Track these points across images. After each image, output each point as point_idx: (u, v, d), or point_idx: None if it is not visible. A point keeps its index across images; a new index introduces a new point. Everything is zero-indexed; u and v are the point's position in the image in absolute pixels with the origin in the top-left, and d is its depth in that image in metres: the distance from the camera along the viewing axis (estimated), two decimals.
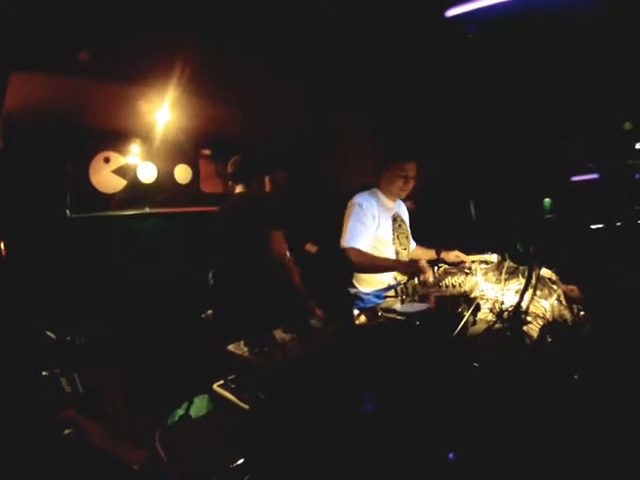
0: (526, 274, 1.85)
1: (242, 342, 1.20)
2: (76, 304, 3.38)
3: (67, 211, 3.64)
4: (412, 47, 3.29)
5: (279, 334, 1.26)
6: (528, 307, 1.72)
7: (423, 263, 2.37)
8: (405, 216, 3.05)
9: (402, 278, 2.78)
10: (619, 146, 5.57)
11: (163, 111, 3.84)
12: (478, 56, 3.40)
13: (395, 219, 2.85)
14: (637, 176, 6.36)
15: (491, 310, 1.76)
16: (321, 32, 3.15)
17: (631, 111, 4.97)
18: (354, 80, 3.72)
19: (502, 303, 1.79)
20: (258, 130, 4.46)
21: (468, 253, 3.14)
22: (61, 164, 3.68)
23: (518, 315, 1.62)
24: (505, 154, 5.51)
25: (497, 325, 1.61)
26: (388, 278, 2.75)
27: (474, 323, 1.65)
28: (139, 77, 3.42)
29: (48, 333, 2.90)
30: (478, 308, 1.68)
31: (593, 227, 6.35)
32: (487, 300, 1.91)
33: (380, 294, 2.63)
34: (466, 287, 1.99)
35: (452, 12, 2.84)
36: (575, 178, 6.52)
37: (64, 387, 2.29)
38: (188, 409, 2.87)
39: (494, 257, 2.97)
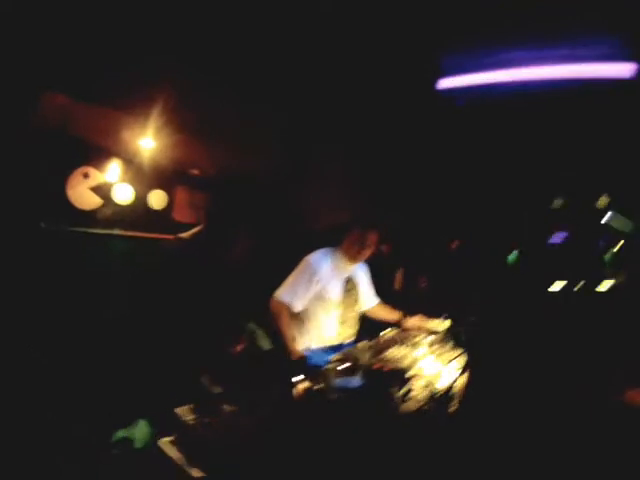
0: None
1: (190, 407, 1.37)
2: (39, 314, 3.44)
3: (42, 223, 3.69)
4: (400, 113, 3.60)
5: (223, 402, 1.43)
6: (458, 391, 1.94)
7: (298, 357, 2.52)
8: (361, 279, 3.13)
9: (346, 336, 2.94)
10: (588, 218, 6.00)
11: (147, 138, 4.03)
12: (463, 128, 3.74)
13: (347, 282, 2.94)
14: (601, 242, 6.87)
15: (424, 389, 1.97)
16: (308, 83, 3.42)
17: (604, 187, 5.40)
18: (333, 139, 4.01)
19: (435, 384, 2.01)
20: (236, 166, 4.68)
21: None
22: (39, 174, 3.71)
23: (447, 399, 1.84)
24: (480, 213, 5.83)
25: (426, 407, 1.82)
26: (330, 335, 2.87)
27: (405, 401, 1.86)
28: (129, 105, 3.61)
29: None
30: (410, 389, 1.88)
31: (551, 290, 6.78)
32: (422, 378, 2.12)
33: (324, 353, 2.78)
34: (406, 362, 2.21)
35: (443, 84, 3.13)
36: (552, 240, 6.99)
37: None
38: (130, 431, 2.96)
39: (446, 324, 3.21)
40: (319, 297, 2.78)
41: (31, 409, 3.01)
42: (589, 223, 6.03)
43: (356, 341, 2.99)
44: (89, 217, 4.04)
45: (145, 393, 3.26)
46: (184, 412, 1.33)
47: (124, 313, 3.94)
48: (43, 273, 3.60)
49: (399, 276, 5.26)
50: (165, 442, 1.28)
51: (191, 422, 1.26)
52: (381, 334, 2.96)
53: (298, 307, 2.73)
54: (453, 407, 1.83)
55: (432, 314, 3.39)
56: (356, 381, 1.88)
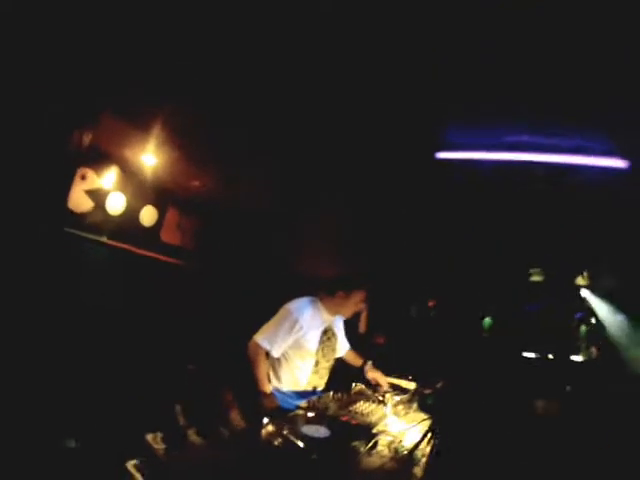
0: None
1: (159, 436, 1.39)
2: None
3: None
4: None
5: (192, 435, 1.45)
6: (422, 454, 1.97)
7: (269, 402, 2.57)
8: (338, 329, 3.22)
9: (316, 384, 3.00)
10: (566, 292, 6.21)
11: (149, 154, 4.11)
12: (455, 199, 3.92)
13: (326, 332, 3.02)
14: (577, 315, 7.07)
15: (389, 446, 2.00)
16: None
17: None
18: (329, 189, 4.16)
19: (400, 442, 2.04)
20: (229, 197, 4.78)
21: (388, 375, 3.42)
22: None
23: (411, 459, 1.88)
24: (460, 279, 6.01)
25: (389, 464, 1.84)
26: (303, 381, 2.92)
27: (370, 456, 1.88)
28: (136, 118, 3.69)
29: None
30: (376, 444, 1.92)
31: (526, 355, 6.89)
32: (388, 434, 2.15)
33: (294, 396, 2.83)
34: (373, 418, 2.25)
35: (443, 156, 3.31)
36: (528, 308, 7.17)
37: None
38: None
39: (412, 385, 3.26)
40: (297, 345, 2.85)
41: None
42: (567, 296, 6.24)
43: (325, 391, 3.02)
44: (79, 220, 4.03)
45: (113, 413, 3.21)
46: (153, 440, 1.34)
47: (98, 318, 3.91)
48: (26, 269, 3.55)
49: (364, 318, 5.34)
50: (132, 465, 1.29)
51: (159, 451, 1.28)
52: (352, 387, 2.99)
53: (276, 353, 2.79)
54: (416, 469, 1.85)
55: (395, 373, 3.46)
56: (323, 431, 1.91)
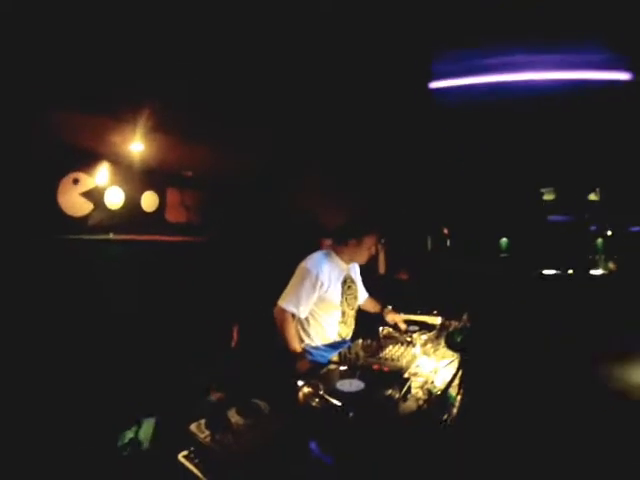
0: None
1: (203, 423, 1.48)
2: (37, 327, 3.52)
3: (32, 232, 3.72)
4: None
5: (233, 416, 1.55)
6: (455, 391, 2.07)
7: (304, 368, 2.64)
8: (356, 276, 3.31)
9: (346, 334, 3.12)
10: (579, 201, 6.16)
11: (136, 142, 4.07)
12: (455, 126, 3.83)
13: (345, 281, 3.08)
14: (592, 228, 7.06)
15: (422, 388, 2.10)
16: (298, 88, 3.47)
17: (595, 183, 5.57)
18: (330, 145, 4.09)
19: (432, 382, 2.14)
20: (226, 165, 4.75)
21: (414, 312, 3.52)
22: (27, 182, 3.71)
23: (445, 398, 1.97)
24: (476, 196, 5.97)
25: (424, 407, 1.94)
26: (333, 334, 3.03)
27: (405, 401, 1.98)
28: (115, 109, 3.64)
29: None
30: (409, 389, 2.01)
31: (545, 273, 6.97)
32: (420, 376, 2.25)
33: (327, 350, 2.95)
34: (403, 362, 2.34)
35: (436, 85, 3.21)
36: (551, 218, 7.13)
37: None
38: (137, 432, 3.11)
39: (437, 320, 3.36)
40: (321, 300, 2.91)
41: (37, 414, 3.14)
42: (580, 212, 6.17)
43: (353, 339, 3.13)
44: (81, 223, 4.08)
45: (145, 393, 3.41)
46: (197, 429, 1.44)
47: (123, 316, 4.05)
48: (38, 283, 3.66)
49: (382, 259, 5.40)
50: (183, 457, 1.39)
51: (206, 439, 1.37)
52: (379, 331, 3.08)
53: (303, 314, 2.86)
54: (451, 407, 1.96)
55: (420, 309, 3.55)
56: (357, 384, 2.00)
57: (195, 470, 1.32)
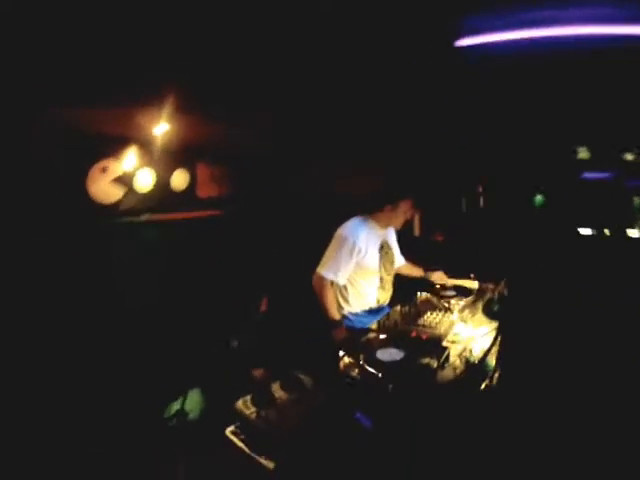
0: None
1: (249, 399, 1.56)
2: (82, 315, 3.71)
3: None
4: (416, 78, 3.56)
5: (277, 391, 1.62)
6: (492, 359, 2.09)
7: (342, 337, 2.71)
8: (392, 241, 3.32)
9: (384, 299, 3.15)
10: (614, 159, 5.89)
11: (161, 123, 4.10)
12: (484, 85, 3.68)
13: (382, 247, 3.10)
14: (630, 185, 6.74)
15: (460, 356, 2.12)
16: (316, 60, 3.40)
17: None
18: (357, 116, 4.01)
19: (471, 351, 2.15)
20: (253, 138, 4.76)
21: (452, 275, 3.52)
22: (57, 175, 3.78)
23: (482, 367, 2.00)
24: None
25: (462, 375, 1.97)
26: (371, 300, 3.08)
27: (443, 369, 2.02)
28: (137, 94, 3.66)
29: None
30: (447, 358, 2.04)
31: (582, 232, 6.77)
32: (458, 344, 2.27)
33: (366, 315, 3.01)
34: (441, 329, 2.36)
35: (463, 42, 3.07)
36: (587, 175, 6.85)
37: None
38: (184, 403, 3.30)
39: (475, 284, 3.34)
40: (359, 267, 2.94)
41: (87, 389, 3.35)
42: (616, 168, 5.88)
43: (391, 304, 3.17)
44: (113, 210, 4.15)
45: (190, 365, 3.58)
46: (244, 405, 1.51)
47: (164, 295, 4.21)
48: (83, 271, 3.82)
49: (417, 221, 5.35)
50: (230, 432, 1.48)
51: (252, 415, 1.45)
52: (417, 296, 3.10)
53: (342, 281, 2.90)
54: (489, 375, 1.98)
55: (456, 272, 3.54)
56: (395, 353, 2.04)
57: (242, 445, 1.40)
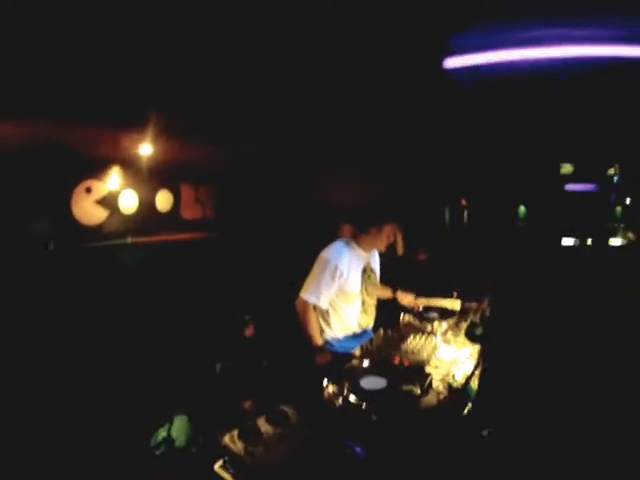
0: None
1: (235, 435, 1.61)
2: (60, 337, 3.71)
3: (49, 244, 3.82)
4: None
5: (263, 425, 1.67)
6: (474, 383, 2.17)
7: (324, 358, 2.77)
8: (376, 265, 3.36)
9: (367, 324, 3.20)
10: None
11: (145, 145, 4.15)
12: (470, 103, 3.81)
13: (365, 270, 3.13)
14: (612, 197, 6.98)
15: (442, 381, 2.19)
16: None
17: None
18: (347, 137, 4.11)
19: (453, 376, 2.23)
20: (239, 162, 4.82)
21: (433, 295, 3.59)
22: (42, 195, 3.82)
23: (465, 391, 2.07)
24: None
25: (445, 399, 2.05)
26: (353, 324, 3.12)
27: (426, 395, 2.08)
28: (121, 116, 3.71)
29: None
30: (430, 385, 2.11)
31: (564, 243, 6.97)
32: (441, 369, 2.33)
33: (348, 340, 3.06)
34: (424, 354, 2.44)
35: (451, 64, 3.19)
36: (570, 187, 7.06)
37: None
38: (170, 430, 3.30)
39: (457, 304, 3.43)
40: (341, 290, 2.98)
41: (69, 412, 3.34)
42: (599, 181, 6.08)
43: (374, 328, 3.24)
44: (97, 231, 4.20)
45: (175, 391, 3.59)
46: (230, 441, 1.56)
47: (148, 316, 4.22)
48: (61, 293, 3.82)
49: (400, 240, 5.40)
50: (219, 467, 1.53)
51: (240, 451, 1.50)
52: (400, 319, 3.18)
53: (325, 305, 2.94)
54: (471, 400, 2.05)
55: (439, 292, 3.62)
56: (379, 381, 2.11)
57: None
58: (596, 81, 3.12)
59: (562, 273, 5.32)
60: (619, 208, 6.49)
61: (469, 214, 6.35)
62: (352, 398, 1.94)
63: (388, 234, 3.09)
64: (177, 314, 4.24)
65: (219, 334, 4.20)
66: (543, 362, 3.83)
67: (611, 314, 4.44)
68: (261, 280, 4.85)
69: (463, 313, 3.23)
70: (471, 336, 2.48)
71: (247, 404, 3.15)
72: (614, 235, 6.33)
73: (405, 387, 2.04)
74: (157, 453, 3.20)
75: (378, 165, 5.10)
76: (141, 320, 4.13)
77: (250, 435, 1.58)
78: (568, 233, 6.53)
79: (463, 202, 6.57)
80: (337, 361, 2.70)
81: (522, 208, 6.93)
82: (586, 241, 6.39)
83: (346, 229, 3.54)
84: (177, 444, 3.25)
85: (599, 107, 3.71)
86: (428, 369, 2.27)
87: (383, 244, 3.15)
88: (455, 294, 3.56)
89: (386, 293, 3.53)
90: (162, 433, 3.30)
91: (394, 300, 3.51)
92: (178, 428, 3.32)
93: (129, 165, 4.34)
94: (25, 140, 3.59)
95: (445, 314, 3.20)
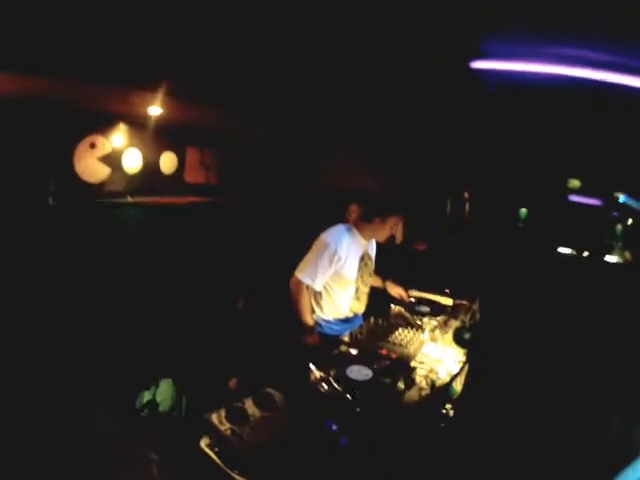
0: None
1: (223, 413, 1.69)
2: (60, 295, 3.77)
3: (49, 199, 3.83)
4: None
5: (250, 407, 1.75)
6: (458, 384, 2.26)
7: (313, 342, 2.86)
8: (373, 252, 3.40)
9: (358, 309, 3.27)
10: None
11: (153, 106, 4.11)
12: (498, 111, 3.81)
13: (362, 257, 3.17)
14: (614, 214, 7.03)
15: (426, 378, 2.28)
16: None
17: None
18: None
19: (437, 373, 2.32)
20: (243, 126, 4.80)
21: (426, 289, 3.66)
22: (44, 149, 3.79)
23: (447, 391, 2.17)
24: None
25: (427, 398, 2.14)
26: (345, 309, 3.18)
27: (409, 391, 2.17)
28: (133, 77, 3.66)
29: None
30: (414, 380, 2.20)
31: (561, 251, 7.05)
32: (425, 364, 2.42)
33: (337, 324, 3.14)
34: (411, 348, 2.52)
35: (478, 65, 3.18)
36: (574, 199, 7.11)
37: None
38: (155, 393, 3.41)
39: (449, 301, 3.50)
40: (337, 275, 3.02)
41: (59, 376, 3.43)
42: (603, 197, 6.11)
43: (365, 315, 3.31)
44: (99, 189, 4.18)
45: (161, 355, 3.68)
46: (217, 420, 1.64)
47: (142, 279, 4.27)
48: (60, 250, 3.85)
49: (400, 228, 5.42)
50: (205, 444, 1.61)
51: (226, 431, 1.58)
52: (390, 309, 3.25)
53: (318, 287, 2.99)
54: (452, 400, 2.14)
55: (433, 286, 3.68)
56: (365, 371, 2.19)
57: (216, 458, 1.53)
58: (617, 105, 3.13)
59: (555, 281, 5.40)
60: (620, 226, 6.55)
61: (471, 207, 6.36)
62: (337, 386, 2.02)
63: (391, 226, 3.12)
64: (173, 278, 4.30)
65: (212, 303, 4.29)
66: (530, 370, 3.93)
67: (599, 325, 4.54)
68: (259, 252, 4.90)
69: (454, 310, 3.30)
70: (459, 340, 2.55)
71: (232, 382, 3.24)
72: (611, 252, 6.42)
73: (389, 380, 2.13)
74: (142, 415, 3.30)
75: (388, 155, 5.09)
76: (137, 282, 4.18)
77: (237, 416, 1.66)
78: (566, 243, 6.61)
79: (466, 195, 6.58)
80: (325, 344, 2.79)
81: (523, 210, 6.99)
82: (582, 253, 6.49)
83: (354, 209, 3.53)
84: (161, 408, 3.36)
85: (615, 128, 3.72)
86: (413, 364, 2.35)
87: (384, 235, 3.19)
88: (447, 291, 3.62)
89: (376, 282, 3.57)
90: (147, 396, 3.40)
91: (383, 290, 3.54)
92: (163, 392, 3.42)
93: (135, 123, 4.30)
94: (28, 92, 3.53)
95: (436, 308, 3.27)
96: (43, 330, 3.53)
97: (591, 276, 5.85)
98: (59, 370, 3.44)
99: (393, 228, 3.16)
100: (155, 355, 3.71)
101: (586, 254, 6.51)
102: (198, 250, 4.64)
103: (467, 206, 6.32)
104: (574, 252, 6.58)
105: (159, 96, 3.96)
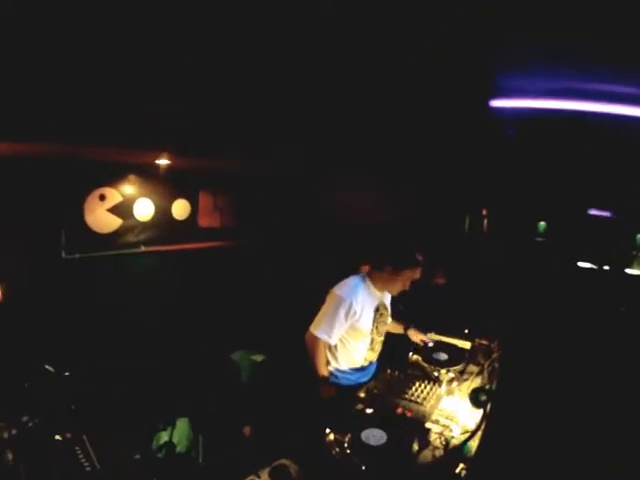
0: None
1: None
2: (72, 344, 3.92)
3: (62, 252, 4.00)
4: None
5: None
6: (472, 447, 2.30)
7: (329, 396, 2.90)
8: (388, 301, 3.42)
9: (372, 358, 3.31)
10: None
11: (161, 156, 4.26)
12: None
13: (377, 309, 3.21)
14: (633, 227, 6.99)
15: (440, 436, 2.34)
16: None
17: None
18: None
19: (451, 431, 2.38)
20: (267, 167, 4.92)
21: (446, 332, 3.71)
22: (55, 203, 3.96)
23: (460, 451, 2.22)
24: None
25: (440, 459, 2.20)
26: (360, 359, 3.21)
27: (423, 451, 2.23)
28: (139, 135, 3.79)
29: (47, 367, 3.43)
30: (428, 441, 2.27)
31: (581, 265, 6.99)
32: (440, 423, 2.45)
33: (352, 373, 3.18)
34: (427, 406, 2.59)
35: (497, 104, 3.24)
36: (592, 212, 7.08)
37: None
38: (172, 434, 3.48)
39: (467, 345, 3.55)
40: (352, 328, 3.06)
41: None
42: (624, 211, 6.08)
43: (379, 360, 3.36)
44: (111, 239, 4.30)
45: (179, 396, 3.76)
46: None
47: (158, 325, 4.40)
48: (74, 302, 3.99)
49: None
50: None
51: None
52: (408, 357, 3.31)
53: (334, 342, 3.03)
54: (467, 459, 2.19)
55: (451, 326, 3.70)
56: (379, 435, 2.26)
57: None
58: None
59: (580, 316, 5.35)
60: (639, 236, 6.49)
61: (489, 224, 6.39)
62: (352, 451, 2.11)
63: (404, 279, 3.10)
64: (187, 322, 4.41)
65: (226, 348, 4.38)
66: (553, 435, 3.90)
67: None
68: (273, 300, 4.98)
69: (472, 354, 3.34)
70: (475, 401, 2.58)
71: (246, 430, 3.32)
72: (631, 264, 6.33)
73: (404, 443, 2.20)
74: (158, 457, 3.35)
75: (404, 186, 5.19)
76: (151, 328, 4.27)
77: None
78: (586, 256, 6.57)
79: (484, 212, 6.61)
80: (341, 396, 2.87)
81: (542, 223, 7.00)
82: (603, 266, 6.42)
83: (365, 269, 3.59)
84: (178, 449, 3.42)
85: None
86: (428, 424, 2.42)
87: (397, 288, 3.17)
88: (466, 332, 3.67)
89: (398, 329, 3.62)
90: (164, 437, 3.47)
91: (405, 335, 3.60)
92: (180, 431, 3.48)
93: (145, 172, 4.45)
94: (39, 148, 3.67)
95: (454, 353, 3.32)
96: (58, 375, 3.65)
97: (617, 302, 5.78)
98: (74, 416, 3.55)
99: (406, 283, 3.12)
100: (171, 395, 3.77)
101: (606, 268, 6.45)
102: (213, 294, 4.76)
103: (485, 223, 6.34)
104: (594, 266, 6.53)
105: (167, 150, 4.10)
